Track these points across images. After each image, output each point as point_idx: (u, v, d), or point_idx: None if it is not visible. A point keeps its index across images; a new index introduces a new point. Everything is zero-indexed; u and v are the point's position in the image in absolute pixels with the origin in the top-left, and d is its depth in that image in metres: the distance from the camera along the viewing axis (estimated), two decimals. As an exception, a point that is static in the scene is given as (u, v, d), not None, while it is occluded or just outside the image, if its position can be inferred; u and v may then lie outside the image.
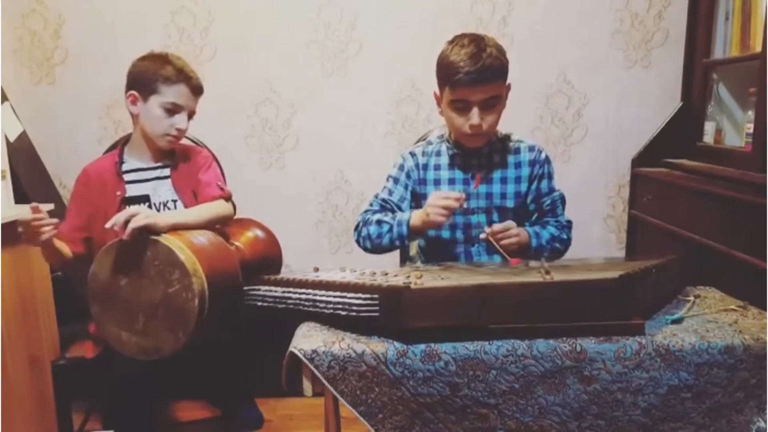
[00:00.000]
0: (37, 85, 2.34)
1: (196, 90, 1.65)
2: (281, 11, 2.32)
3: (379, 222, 1.59)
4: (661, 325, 1.18)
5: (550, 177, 1.66)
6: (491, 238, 1.46)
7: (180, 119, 1.63)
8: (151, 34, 2.28)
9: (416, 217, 1.53)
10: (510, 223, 1.51)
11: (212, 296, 1.33)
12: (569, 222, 1.67)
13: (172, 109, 1.62)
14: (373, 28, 2.34)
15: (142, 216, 1.36)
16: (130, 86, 1.63)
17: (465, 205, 1.50)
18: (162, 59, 1.63)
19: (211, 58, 2.34)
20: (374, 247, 1.61)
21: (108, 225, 1.37)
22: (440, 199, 1.47)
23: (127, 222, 1.35)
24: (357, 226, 1.65)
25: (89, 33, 2.31)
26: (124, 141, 1.73)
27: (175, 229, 1.43)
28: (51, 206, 1.87)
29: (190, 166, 1.71)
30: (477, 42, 1.50)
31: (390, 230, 1.57)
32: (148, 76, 1.61)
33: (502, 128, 1.66)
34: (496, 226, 1.48)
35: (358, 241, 1.66)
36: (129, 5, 2.30)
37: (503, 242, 1.46)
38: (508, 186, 1.63)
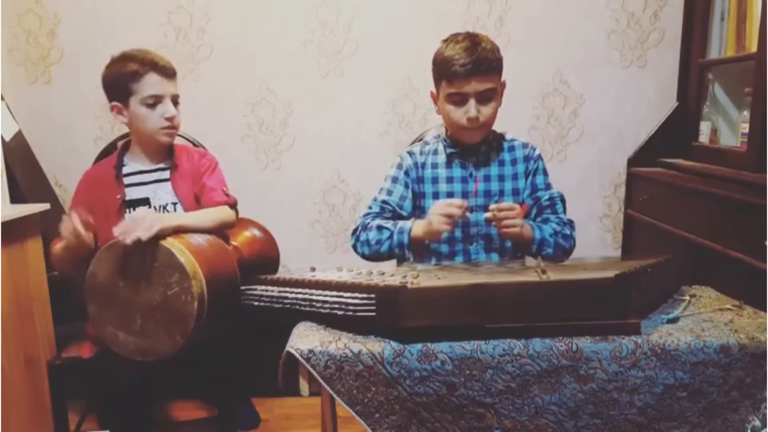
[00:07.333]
0: (33, 85, 2.33)
1: (168, 73, 1.61)
2: (278, 11, 2.31)
3: (379, 228, 1.56)
4: (657, 325, 1.18)
5: (544, 172, 1.66)
6: (497, 214, 1.45)
7: (165, 108, 1.61)
8: (148, 34, 2.28)
9: (418, 226, 1.52)
10: (515, 205, 1.50)
11: (211, 299, 1.33)
12: (571, 221, 1.65)
13: (154, 102, 1.59)
14: (370, 27, 2.34)
15: (147, 226, 1.35)
16: (109, 99, 1.62)
17: (468, 214, 1.50)
18: (121, 59, 1.60)
19: (207, 57, 2.34)
20: (372, 253, 1.58)
21: (116, 233, 1.35)
22: (443, 207, 1.46)
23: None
24: (355, 231, 1.62)
25: (85, 32, 2.30)
26: (125, 144, 1.72)
27: (178, 231, 1.42)
28: (47, 206, 1.87)
29: (192, 168, 1.70)
30: (472, 38, 1.54)
31: (390, 237, 1.54)
32: (116, 81, 1.59)
33: (499, 127, 1.67)
34: (504, 204, 1.48)
35: (355, 246, 1.62)
36: (125, 5, 2.29)
37: (505, 222, 1.45)
38: (506, 183, 1.64)
